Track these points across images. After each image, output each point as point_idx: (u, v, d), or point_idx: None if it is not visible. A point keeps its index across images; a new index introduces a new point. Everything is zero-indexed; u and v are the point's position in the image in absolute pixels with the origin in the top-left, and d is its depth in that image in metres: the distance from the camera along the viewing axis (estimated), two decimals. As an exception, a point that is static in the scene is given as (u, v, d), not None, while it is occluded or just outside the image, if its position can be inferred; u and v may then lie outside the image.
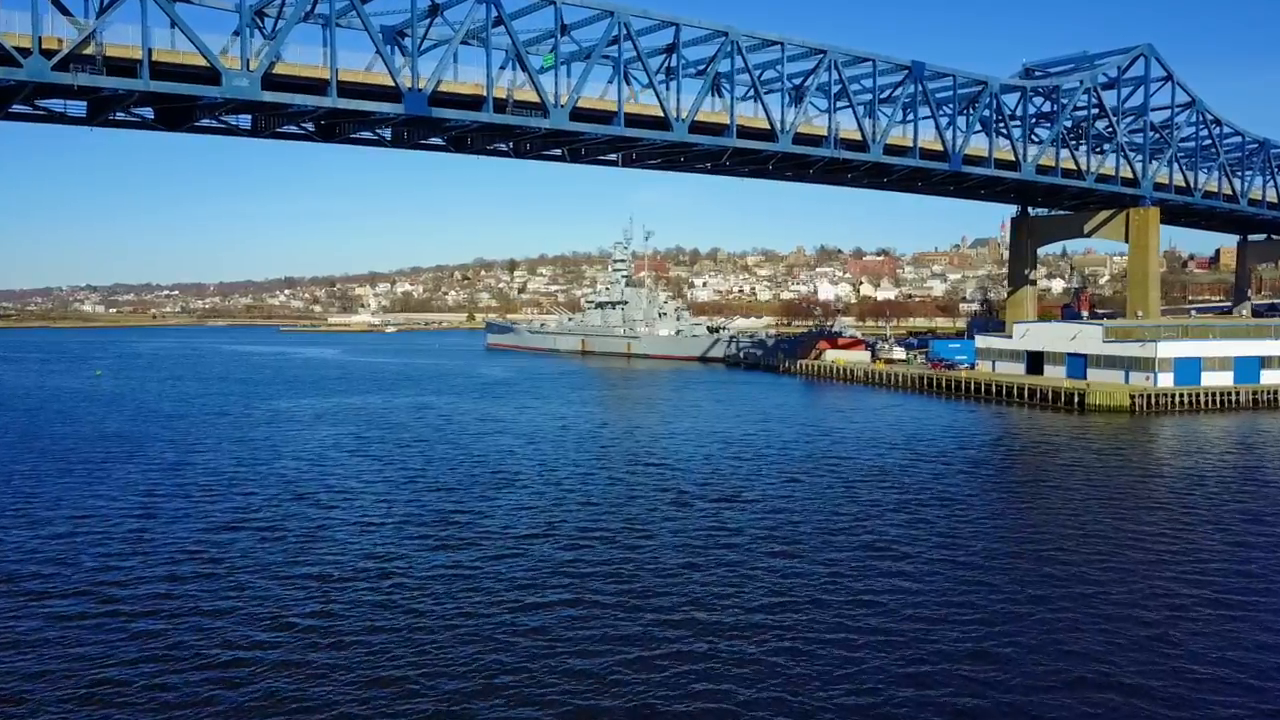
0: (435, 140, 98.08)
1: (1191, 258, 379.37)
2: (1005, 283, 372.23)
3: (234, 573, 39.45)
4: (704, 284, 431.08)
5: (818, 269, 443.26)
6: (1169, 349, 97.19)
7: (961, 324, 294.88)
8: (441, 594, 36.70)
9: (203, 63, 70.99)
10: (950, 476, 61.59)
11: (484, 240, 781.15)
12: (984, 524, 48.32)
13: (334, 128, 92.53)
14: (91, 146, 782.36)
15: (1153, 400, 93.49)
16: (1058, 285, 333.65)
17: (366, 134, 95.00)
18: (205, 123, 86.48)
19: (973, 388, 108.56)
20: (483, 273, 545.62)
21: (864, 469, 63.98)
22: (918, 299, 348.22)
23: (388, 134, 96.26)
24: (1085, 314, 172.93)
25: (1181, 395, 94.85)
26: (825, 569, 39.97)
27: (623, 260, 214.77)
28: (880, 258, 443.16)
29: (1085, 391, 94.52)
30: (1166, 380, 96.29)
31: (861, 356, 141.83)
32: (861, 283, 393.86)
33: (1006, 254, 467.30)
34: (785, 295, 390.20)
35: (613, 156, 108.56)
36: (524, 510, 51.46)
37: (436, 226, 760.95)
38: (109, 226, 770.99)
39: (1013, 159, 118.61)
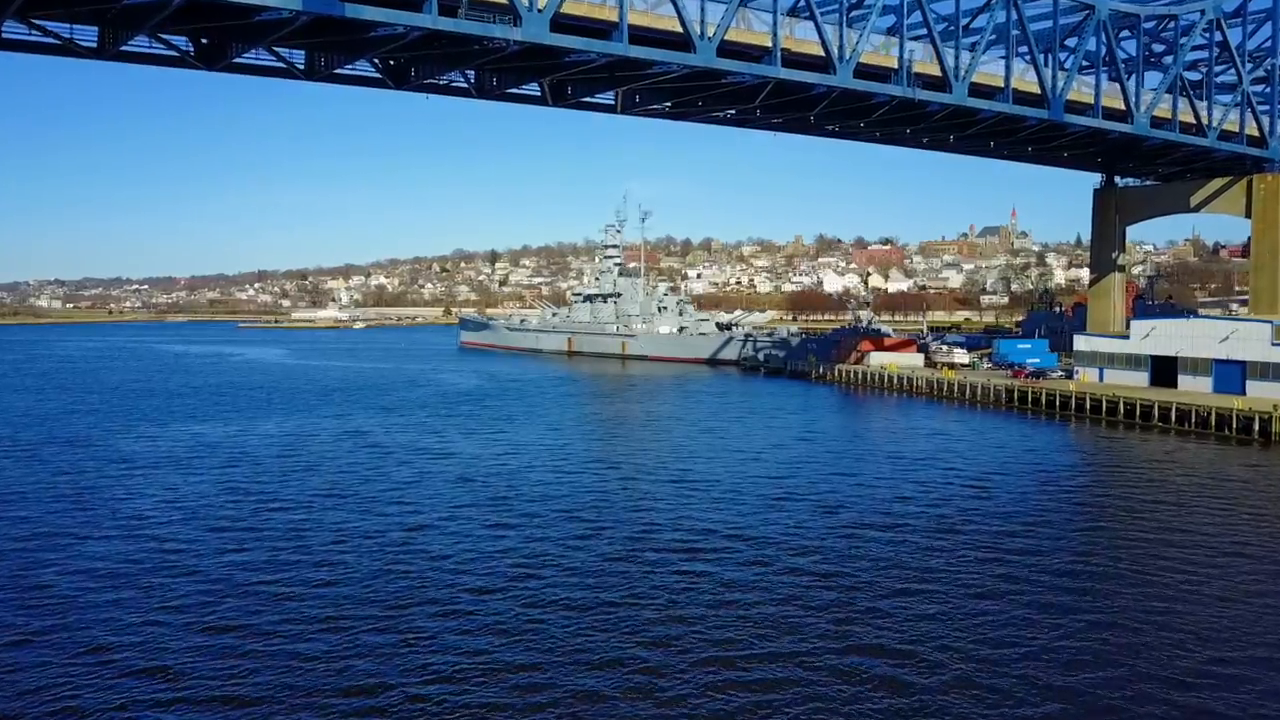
0: (364, 69, 71.21)
1: (1221, 246, 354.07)
2: (1024, 271, 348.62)
3: None
4: (698, 276, 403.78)
5: (819, 259, 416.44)
6: (1377, 356, 71.09)
7: (990, 318, 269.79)
8: None
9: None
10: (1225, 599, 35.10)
11: (464, 231, 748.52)
12: None
13: (218, 48, 65.44)
14: (69, 139, 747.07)
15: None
16: (1086, 276, 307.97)
17: (266, 59, 67.97)
18: (17, 34, 59.72)
19: (1087, 406, 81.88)
20: (462, 264, 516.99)
21: (1072, 574, 37.29)
22: (933, 291, 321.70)
23: (300, 60, 69.47)
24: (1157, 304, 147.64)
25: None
26: None
27: (615, 247, 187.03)
28: (885, 247, 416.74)
29: (1275, 416, 67.95)
30: (1373, 399, 70.23)
31: (914, 359, 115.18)
32: (869, 274, 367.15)
33: (1016, 243, 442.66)
34: (787, 287, 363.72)
35: (609, 98, 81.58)
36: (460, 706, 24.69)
37: (415, 217, 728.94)
38: (82, 220, 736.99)
39: (1121, 107, 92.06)
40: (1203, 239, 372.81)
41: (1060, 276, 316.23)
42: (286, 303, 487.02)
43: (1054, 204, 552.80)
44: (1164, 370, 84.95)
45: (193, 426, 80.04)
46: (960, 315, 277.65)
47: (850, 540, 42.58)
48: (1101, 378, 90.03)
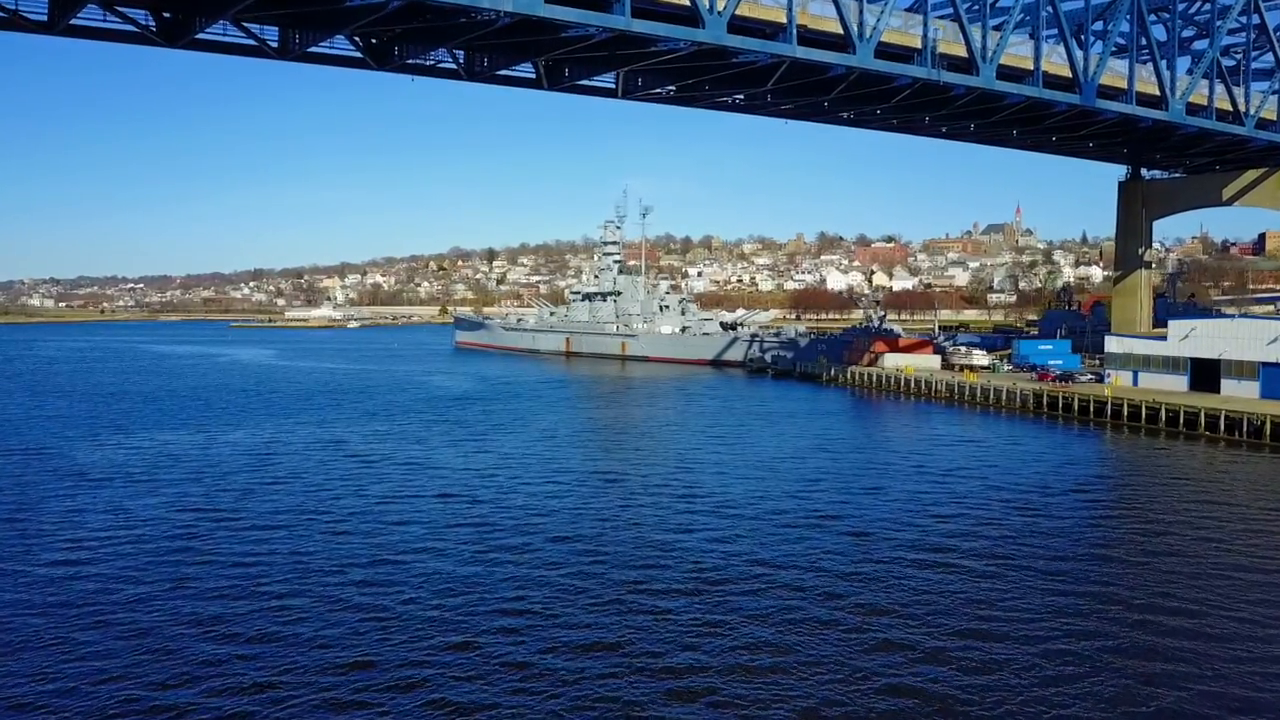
0: (343, 47, 65.54)
1: (1230, 243, 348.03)
2: (1031, 269, 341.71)
3: None
4: (699, 274, 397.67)
5: (822, 257, 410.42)
6: None
7: (998, 317, 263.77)
8: None
9: None
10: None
11: (461, 229, 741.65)
12: None
13: (180, 22, 59.78)
14: (67, 138, 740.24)
15: None
16: (1094, 274, 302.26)
17: (236, 36, 62.27)
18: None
19: (1124, 412, 76.09)
20: (460, 263, 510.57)
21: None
22: (939, 289, 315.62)
23: (273, 37, 63.81)
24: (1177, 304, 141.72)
25: None
26: None
27: (614, 244, 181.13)
28: (889, 244, 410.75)
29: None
30: None
31: (930, 361, 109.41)
32: (873, 271, 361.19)
33: (1021, 240, 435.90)
34: (790, 285, 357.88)
35: (608, 81, 75.92)
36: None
37: (412, 215, 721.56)
38: (78, 219, 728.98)
39: (1154, 93, 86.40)
40: (1211, 236, 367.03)
41: (1069, 274, 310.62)
42: (281, 301, 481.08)
43: (1059, 201, 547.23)
44: (1205, 374, 79.23)
45: (159, 435, 74.25)
46: (968, 314, 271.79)
47: (890, 567, 37.03)
48: (1136, 381, 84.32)
